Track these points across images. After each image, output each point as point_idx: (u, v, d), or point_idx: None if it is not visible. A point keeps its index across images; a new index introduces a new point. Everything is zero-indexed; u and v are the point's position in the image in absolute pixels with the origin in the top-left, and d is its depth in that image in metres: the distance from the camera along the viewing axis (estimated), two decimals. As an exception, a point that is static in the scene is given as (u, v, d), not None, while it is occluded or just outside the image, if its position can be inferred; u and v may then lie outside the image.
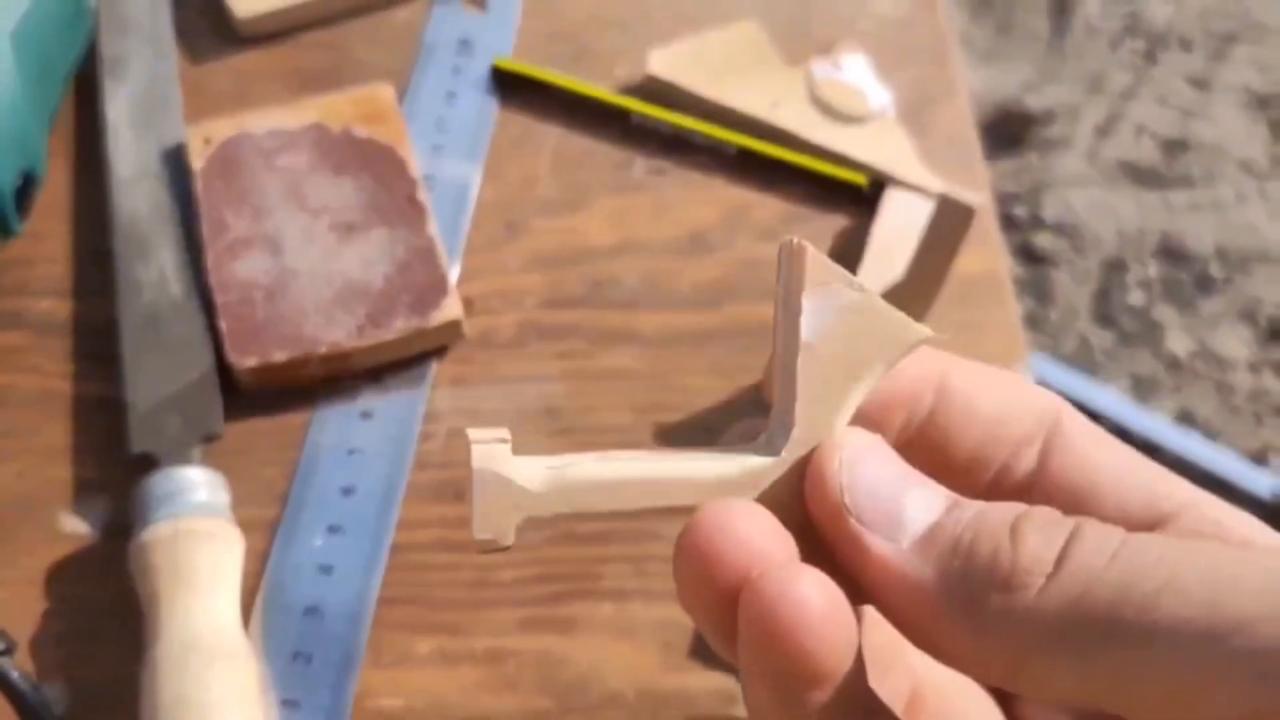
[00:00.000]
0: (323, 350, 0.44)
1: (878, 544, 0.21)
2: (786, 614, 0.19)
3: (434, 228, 0.47)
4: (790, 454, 0.22)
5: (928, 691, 0.26)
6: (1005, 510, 0.20)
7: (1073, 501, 0.23)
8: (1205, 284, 1.34)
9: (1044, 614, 0.19)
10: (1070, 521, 0.20)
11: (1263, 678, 0.17)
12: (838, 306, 0.22)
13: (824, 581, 0.20)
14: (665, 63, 0.52)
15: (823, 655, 0.20)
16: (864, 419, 0.23)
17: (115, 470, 0.43)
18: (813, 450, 0.22)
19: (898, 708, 0.25)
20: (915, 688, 0.26)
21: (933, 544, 0.20)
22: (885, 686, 0.24)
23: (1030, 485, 0.24)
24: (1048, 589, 0.19)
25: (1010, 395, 0.24)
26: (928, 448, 0.24)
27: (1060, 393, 0.25)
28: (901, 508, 0.21)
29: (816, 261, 0.22)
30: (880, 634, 0.23)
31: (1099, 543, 0.19)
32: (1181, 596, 0.18)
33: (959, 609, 0.20)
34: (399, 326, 0.45)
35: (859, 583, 0.21)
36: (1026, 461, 0.24)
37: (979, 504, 0.21)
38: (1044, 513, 0.20)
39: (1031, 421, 0.24)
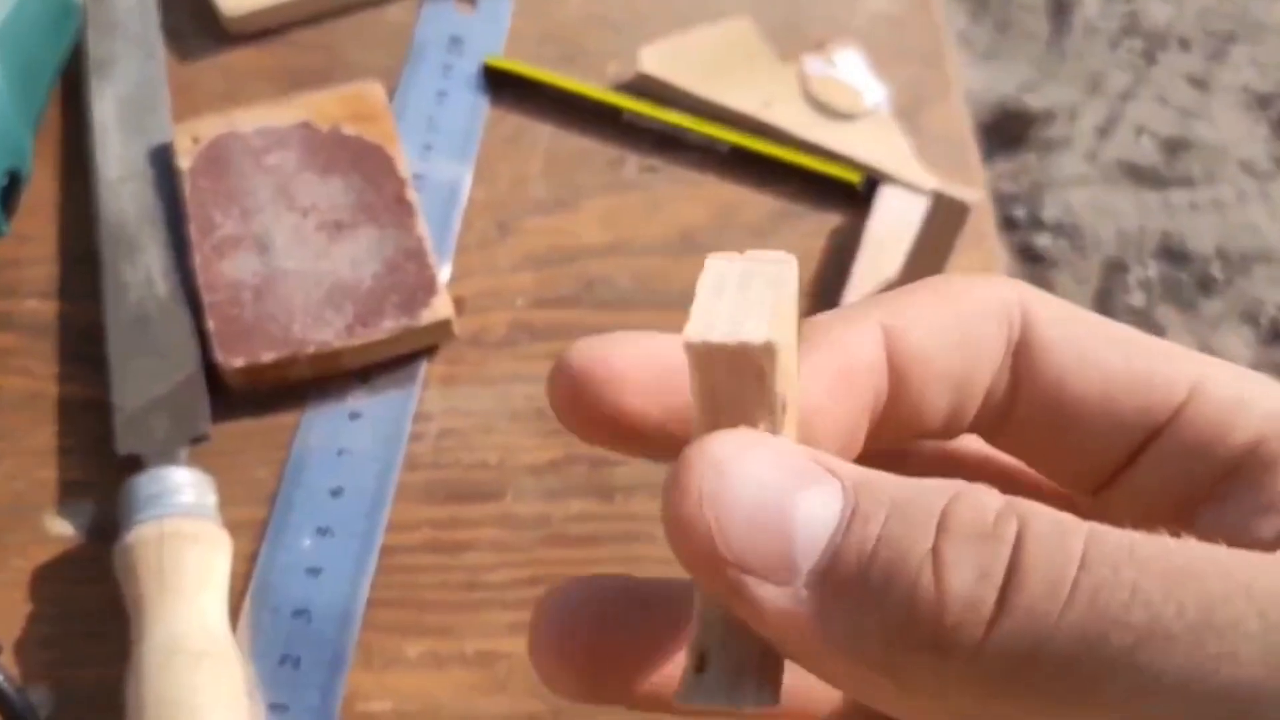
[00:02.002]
0: (311, 350, 0.44)
1: (765, 595, 0.16)
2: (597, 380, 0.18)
3: (423, 227, 0.46)
4: None
5: None
6: (923, 514, 0.16)
7: (1058, 421, 0.20)
8: (1206, 284, 1.33)
9: (984, 673, 0.15)
10: (1008, 536, 0.15)
11: None
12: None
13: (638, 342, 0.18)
14: (657, 60, 0.52)
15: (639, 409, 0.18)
16: (829, 422, 0.19)
17: (102, 471, 0.43)
18: None
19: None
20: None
21: (835, 588, 0.16)
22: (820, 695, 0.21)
23: (1005, 414, 0.20)
24: (987, 643, 0.15)
25: (965, 326, 0.20)
26: (896, 426, 0.20)
27: None
28: (790, 531, 0.16)
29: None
30: None
31: (1049, 576, 0.15)
32: (1164, 653, 0.14)
33: (879, 670, 0.16)
34: (388, 326, 0.44)
35: (764, 631, 0.17)
36: (1000, 384, 0.20)
37: (888, 501, 0.16)
38: (972, 519, 0.16)
39: (996, 347, 0.20)
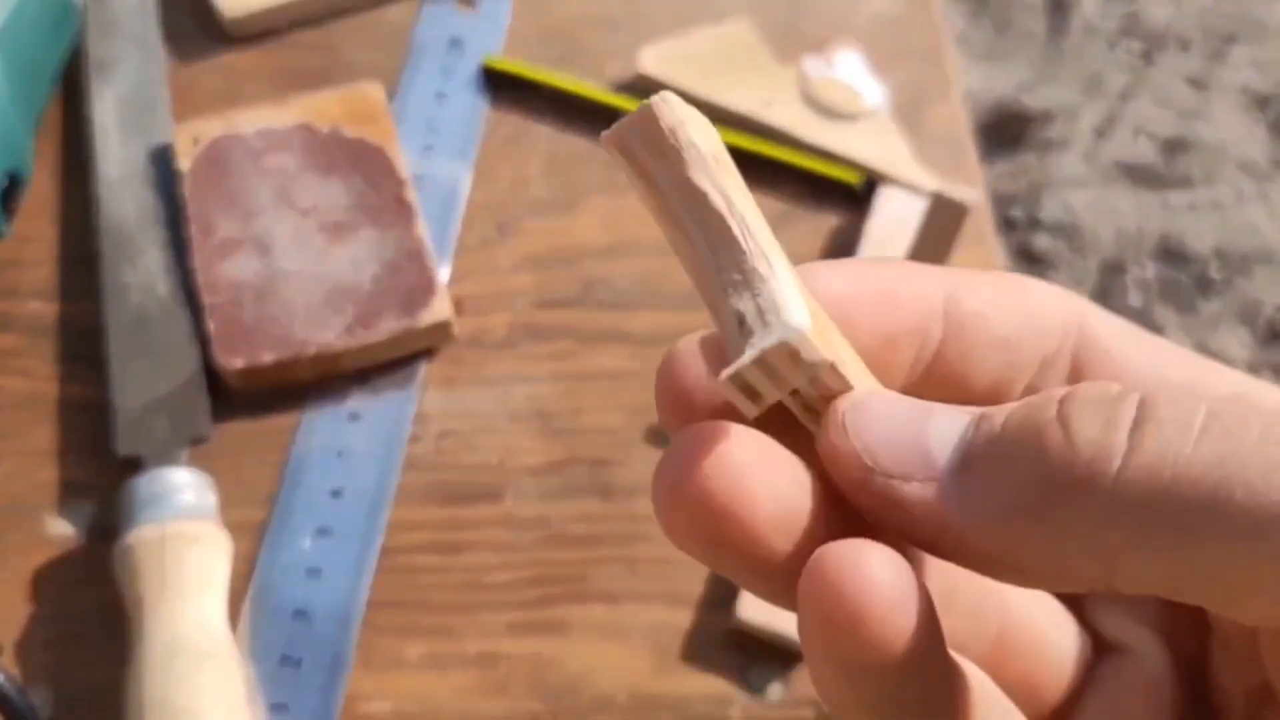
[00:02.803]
0: (311, 351, 0.44)
1: (913, 491, 0.18)
2: (853, 598, 0.17)
3: (423, 228, 0.46)
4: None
5: (1014, 626, 0.23)
6: (1042, 401, 0.17)
7: None
8: (1204, 285, 1.33)
9: (1125, 505, 0.16)
10: (1131, 399, 0.17)
11: None
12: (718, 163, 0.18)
13: (891, 557, 0.17)
14: (657, 61, 0.52)
15: (895, 640, 0.17)
16: (867, 361, 0.20)
17: (102, 472, 0.43)
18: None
19: (982, 654, 0.23)
20: (999, 631, 0.23)
21: (972, 468, 0.17)
22: (968, 644, 0.22)
23: None
24: (1123, 477, 0.16)
25: (1028, 307, 0.21)
26: (943, 383, 0.21)
27: None
28: (926, 443, 0.18)
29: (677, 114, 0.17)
30: (953, 578, 0.21)
31: (1177, 419, 0.16)
32: None
33: (1027, 526, 0.17)
34: (388, 327, 0.44)
35: (912, 538, 0.18)
36: (1054, 381, 0.21)
37: (1008, 405, 0.18)
38: (1092, 389, 0.17)
39: (1054, 335, 0.21)
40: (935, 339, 0.21)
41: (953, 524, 0.17)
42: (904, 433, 0.18)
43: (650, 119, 0.17)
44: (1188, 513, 0.16)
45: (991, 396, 0.21)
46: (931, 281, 0.21)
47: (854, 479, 0.18)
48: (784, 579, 0.18)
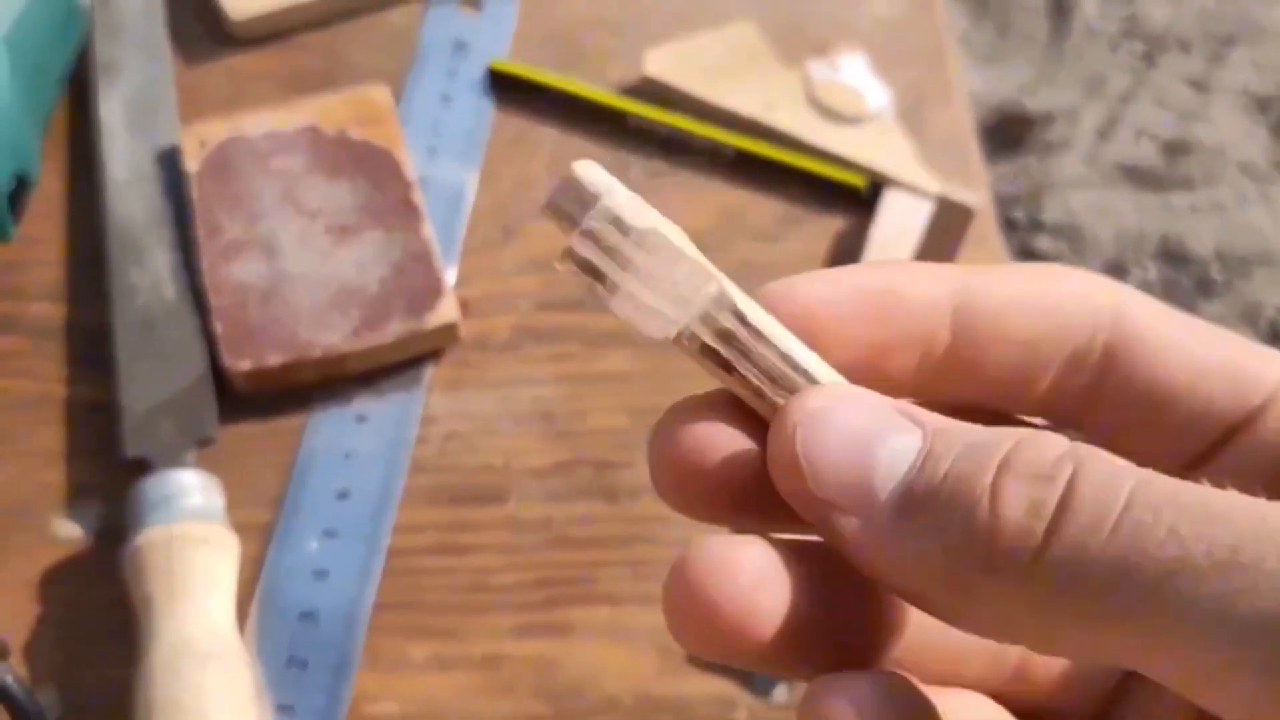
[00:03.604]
0: (318, 353, 0.44)
1: (849, 525, 0.18)
2: (710, 585, 0.18)
3: (429, 230, 0.47)
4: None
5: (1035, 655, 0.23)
6: (987, 453, 0.17)
7: (1145, 412, 0.21)
8: (1206, 287, 1.33)
9: (1033, 595, 0.17)
10: (1062, 476, 0.17)
11: (1268, 672, 0.16)
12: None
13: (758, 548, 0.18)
14: (661, 64, 0.52)
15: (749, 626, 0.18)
16: (864, 367, 0.21)
17: (109, 474, 0.43)
18: None
19: (1003, 684, 0.23)
20: (1021, 659, 0.23)
21: (907, 517, 0.18)
22: (987, 676, 0.22)
23: (1093, 398, 0.21)
24: (1034, 571, 0.17)
25: (1052, 301, 0.21)
26: (958, 381, 0.21)
27: None
28: (870, 473, 0.18)
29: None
30: None
31: (1096, 512, 0.16)
32: (1192, 585, 0.16)
33: (945, 591, 0.18)
34: (394, 329, 0.44)
35: (845, 557, 0.19)
36: (1085, 374, 0.21)
37: (960, 443, 0.18)
38: (1029, 458, 0.17)
39: (1081, 328, 0.21)
40: (942, 342, 0.21)
41: (881, 566, 0.18)
42: (851, 457, 0.18)
43: (570, 181, 0.20)
44: (1088, 606, 0.16)
45: (1012, 393, 0.21)
46: (938, 282, 0.21)
47: (796, 495, 0.19)
48: (785, 667, 0.19)
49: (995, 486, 0.17)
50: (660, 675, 0.41)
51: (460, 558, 0.43)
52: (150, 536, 0.39)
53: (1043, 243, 1.35)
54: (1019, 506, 0.17)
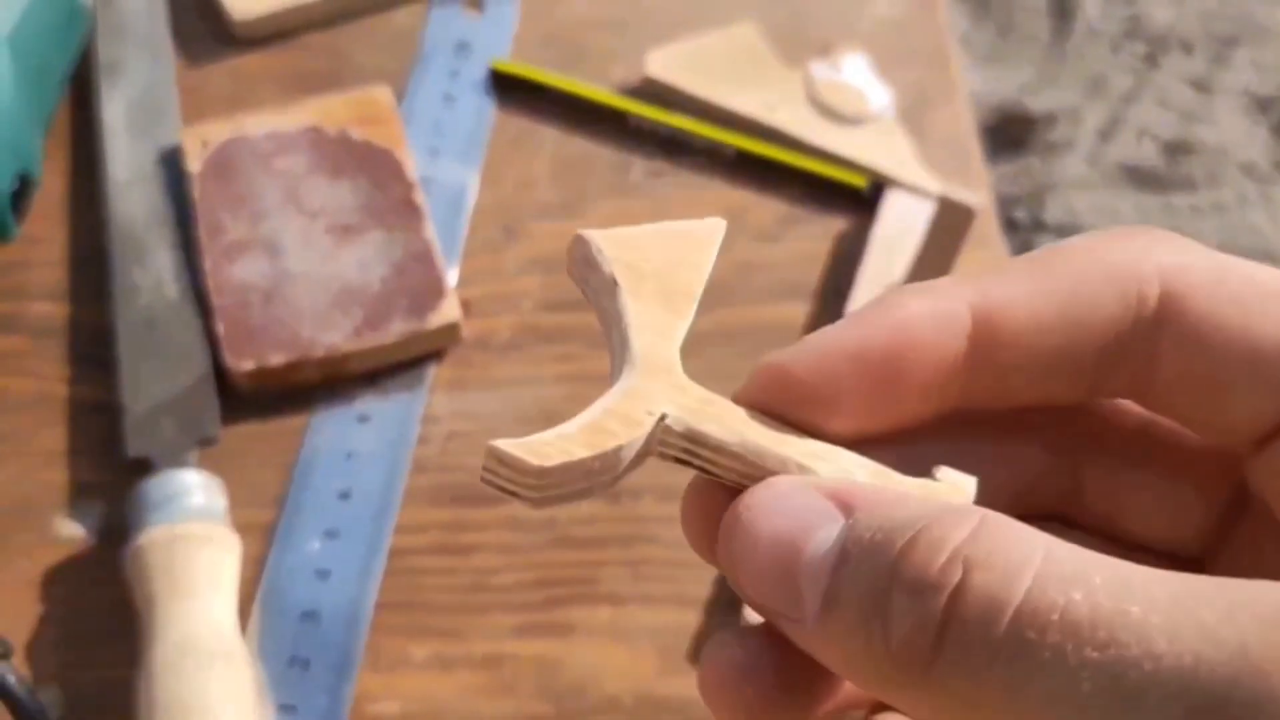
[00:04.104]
0: (320, 353, 0.44)
1: (786, 626, 0.19)
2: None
3: (431, 230, 0.47)
4: (630, 372, 0.21)
5: None
6: (884, 559, 0.18)
7: (1201, 394, 0.20)
8: (1207, 287, 1.33)
9: (934, 703, 0.17)
10: (948, 585, 0.17)
11: None
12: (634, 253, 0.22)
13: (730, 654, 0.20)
14: (663, 64, 0.52)
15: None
16: (872, 430, 0.21)
17: (111, 474, 0.43)
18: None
19: None
20: None
21: (828, 618, 0.18)
22: None
23: (1147, 378, 0.21)
24: (929, 682, 0.17)
25: (1067, 287, 0.20)
26: (983, 388, 0.21)
27: None
28: (796, 583, 0.18)
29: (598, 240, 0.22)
30: None
31: (980, 622, 0.16)
32: (1077, 710, 0.16)
33: (864, 689, 0.19)
34: (396, 329, 0.44)
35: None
36: (1134, 356, 0.20)
37: (868, 541, 0.18)
38: (918, 566, 0.17)
39: (1105, 322, 0.20)
40: (943, 369, 0.21)
41: (824, 660, 0.19)
42: (779, 564, 0.19)
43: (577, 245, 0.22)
44: (989, 711, 0.17)
45: (1057, 391, 0.21)
46: (948, 311, 0.20)
47: (745, 600, 0.20)
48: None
49: (887, 599, 0.17)
50: (661, 675, 0.41)
51: (462, 558, 0.43)
52: (152, 536, 0.39)
53: (1044, 243, 1.35)
54: (904, 624, 0.17)
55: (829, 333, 0.21)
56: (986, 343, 0.20)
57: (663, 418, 0.20)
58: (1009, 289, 0.21)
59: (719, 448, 0.20)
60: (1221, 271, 0.20)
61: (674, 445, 0.20)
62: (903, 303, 0.21)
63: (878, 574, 0.18)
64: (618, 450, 0.20)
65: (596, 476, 0.20)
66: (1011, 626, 0.16)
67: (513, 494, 0.20)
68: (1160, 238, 0.21)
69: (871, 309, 0.21)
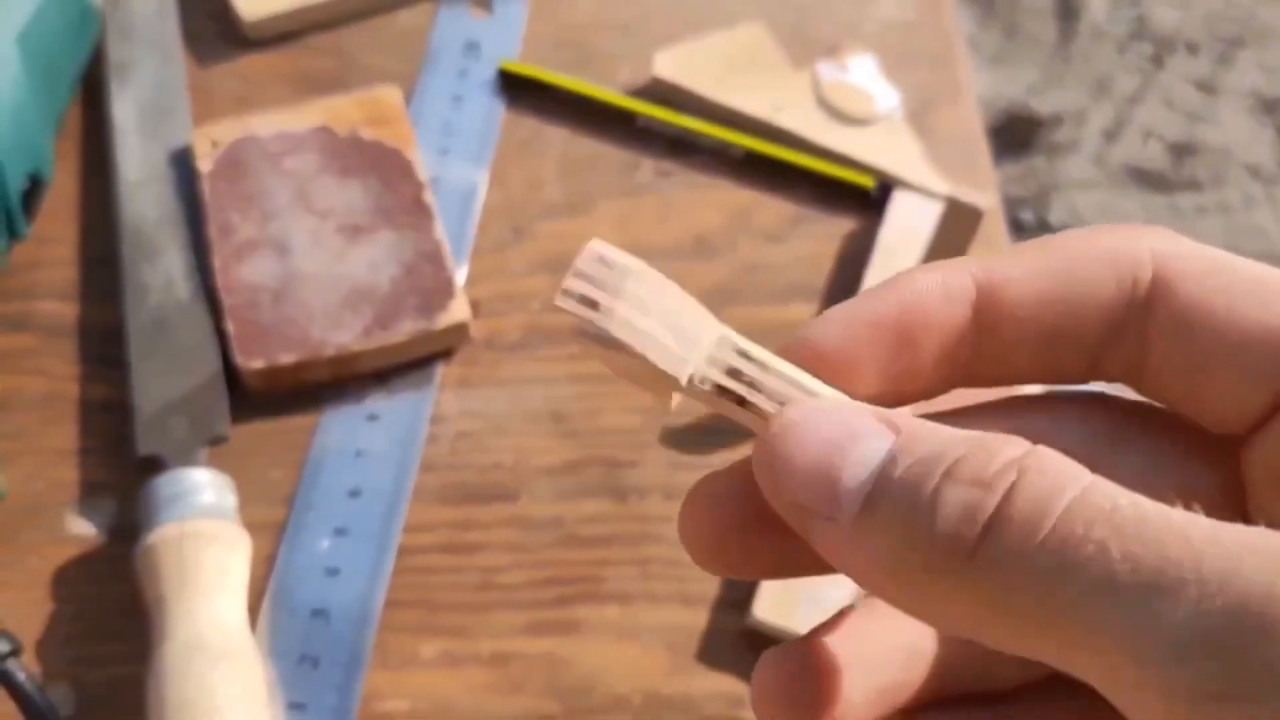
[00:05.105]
0: (329, 352, 0.44)
1: (820, 527, 0.19)
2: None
3: (440, 230, 0.47)
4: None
5: None
6: (936, 461, 0.18)
7: (1191, 379, 0.21)
8: (1212, 288, 1.33)
9: (968, 597, 0.18)
10: (1000, 486, 0.18)
11: (1197, 695, 0.16)
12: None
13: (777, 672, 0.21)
14: (671, 65, 0.52)
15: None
16: (889, 394, 0.22)
17: (122, 472, 0.43)
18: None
19: None
20: None
21: (869, 516, 0.19)
22: None
23: (1139, 363, 0.21)
24: (968, 574, 0.18)
25: (1075, 273, 0.21)
26: (997, 365, 0.22)
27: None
28: (839, 478, 0.19)
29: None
30: None
31: (1029, 518, 0.17)
32: (1110, 602, 0.16)
33: (898, 587, 0.19)
34: (406, 329, 0.45)
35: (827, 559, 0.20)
36: (1128, 339, 0.21)
37: (919, 450, 0.19)
38: (975, 466, 0.18)
39: (1112, 296, 0.21)
40: (951, 341, 0.21)
41: (846, 563, 0.19)
42: (821, 462, 0.19)
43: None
44: (1019, 611, 0.17)
45: (1051, 371, 0.22)
46: (954, 284, 0.21)
47: (775, 499, 0.20)
48: None
49: (937, 491, 0.18)
50: (669, 674, 0.41)
51: (470, 556, 0.43)
52: (163, 534, 0.40)
53: (1050, 244, 1.35)
54: (954, 512, 0.18)
55: (846, 306, 0.22)
56: (990, 314, 0.21)
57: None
58: (1011, 265, 0.21)
59: (766, 365, 0.21)
60: (1211, 261, 0.21)
61: (722, 364, 0.21)
62: (912, 275, 0.22)
63: (928, 473, 0.18)
64: (670, 300, 0.21)
65: (633, 306, 0.21)
66: (1061, 521, 0.17)
67: (590, 305, 0.20)
68: (1156, 230, 0.22)
69: (884, 284, 0.22)
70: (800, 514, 0.19)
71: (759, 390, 0.21)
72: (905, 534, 0.18)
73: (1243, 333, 0.20)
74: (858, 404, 0.20)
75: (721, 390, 0.21)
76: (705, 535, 0.22)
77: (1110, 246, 0.21)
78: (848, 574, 0.19)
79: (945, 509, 0.18)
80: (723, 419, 0.22)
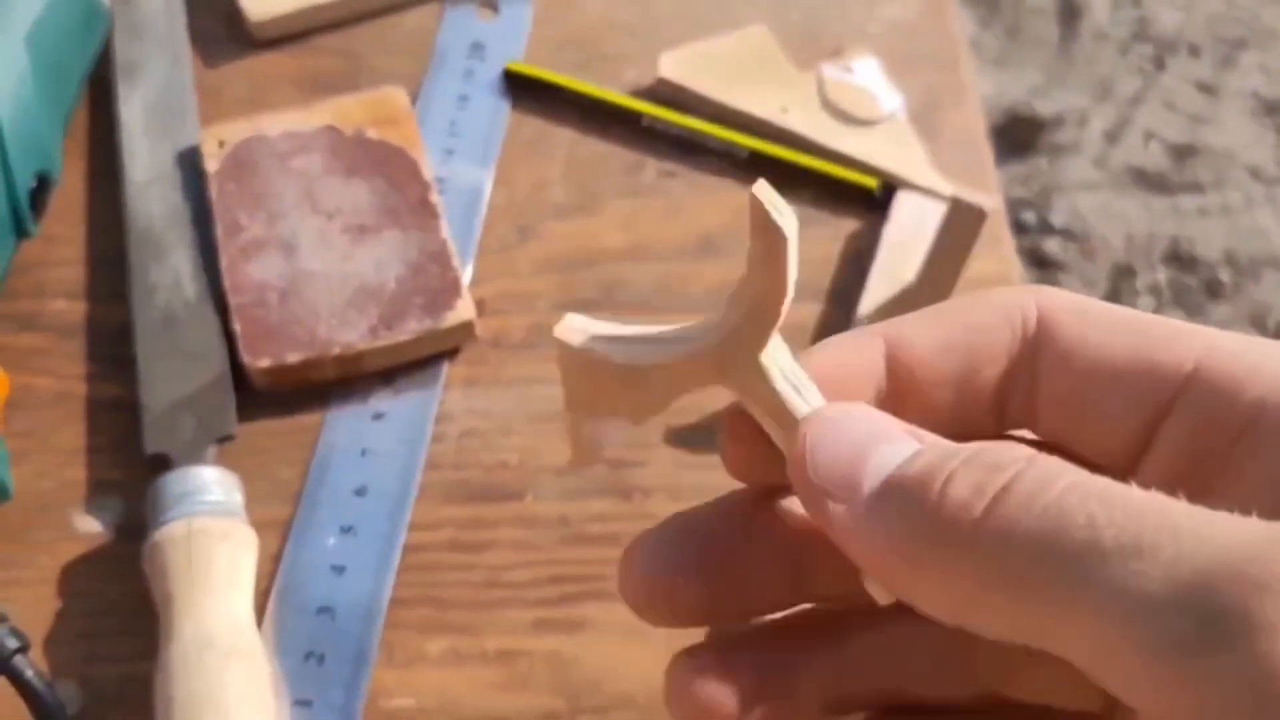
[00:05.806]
0: (336, 351, 0.44)
1: (833, 510, 0.21)
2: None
3: (446, 230, 0.47)
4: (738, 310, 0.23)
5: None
6: (953, 454, 0.20)
7: (1076, 405, 0.23)
8: (1214, 289, 1.34)
9: (973, 555, 0.19)
10: (1014, 466, 0.20)
11: (1171, 649, 0.17)
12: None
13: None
14: (676, 66, 0.52)
15: None
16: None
17: (130, 470, 0.43)
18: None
19: None
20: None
21: (881, 500, 0.20)
22: None
23: (1033, 406, 0.23)
24: (974, 538, 0.19)
25: (962, 324, 0.24)
26: (912, 415, 0.23)
27: None
28: (862, 467, 0.21)
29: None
30: None
31: (1030, 493, 0.19)
32: (1098, 563, 0.18)
33: (902, 564, 0.20)
34: (412, 328, 0.45)
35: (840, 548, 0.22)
36: (1021, 387, 0.23)
37: (940, 449, 0.21)
38: (988, 455, 0.20)
39: (995, 339, 0.23)
40: (879, 394, 0.24)
41: (856, 546, 0.21)
42: (847, 455, 0.21)
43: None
44: (1019, 577, 0.19)
45: (960, 419, 0.24)
46: (865, 343, 0.24)
47: (799, 484, 0.22)
48: None
49: (951, 474, 0.20)
50: (674, 672, 0.41)
51: (476, 554, 0.43)
52: (170, 532, 0.40)
53: (1052, 245, 1.36)
54: (965, 488, 0.20)
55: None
56: (903, 373, 0.23)
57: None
58: (915, 323, 0.24)
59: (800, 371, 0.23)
60: (1087, 304, 0.23)
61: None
62: (821, 348, 0.24)
63: (945, 461, 0.20)
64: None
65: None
66: (1058, 494, 0.19)
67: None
68: (1041, 287, 0.24)
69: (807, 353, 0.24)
70: (819, 498, 0.21)
71: (800, 392, 0.23)
72: (918, 510, 0.20)
73: (1114, 364, 0.22)
74: (887, 415, 0.22)
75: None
76: (642, 587, 0.25)
77: (1002, 300, 0.24)
78: (855, 556, 0.21)
79: (957, 487, 0.20)
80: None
